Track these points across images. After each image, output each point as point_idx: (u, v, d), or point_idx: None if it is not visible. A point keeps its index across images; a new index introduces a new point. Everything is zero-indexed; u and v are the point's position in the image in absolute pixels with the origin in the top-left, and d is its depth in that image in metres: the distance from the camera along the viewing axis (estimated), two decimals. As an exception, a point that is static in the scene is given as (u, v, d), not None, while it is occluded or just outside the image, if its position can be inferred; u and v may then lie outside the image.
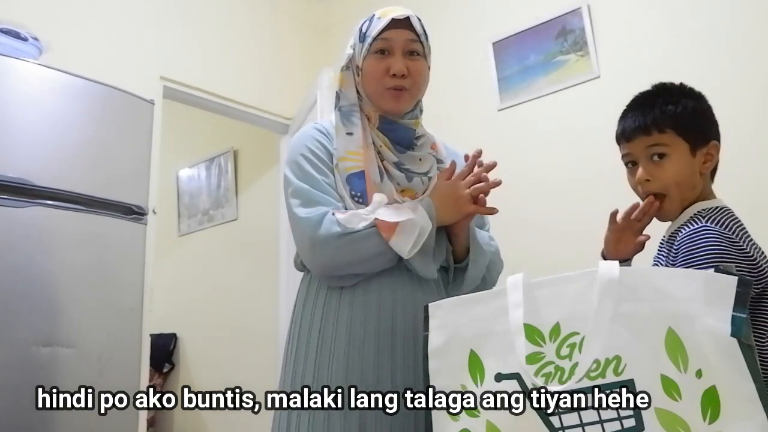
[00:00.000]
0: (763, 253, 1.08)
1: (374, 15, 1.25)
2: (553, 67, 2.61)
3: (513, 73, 2.73)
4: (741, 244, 1.03)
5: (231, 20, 3.26)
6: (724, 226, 1.06)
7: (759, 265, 1.03)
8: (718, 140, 1.18)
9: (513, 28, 2.75)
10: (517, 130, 2.69)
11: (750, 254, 1.03)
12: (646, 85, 1.24)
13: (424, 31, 1.26)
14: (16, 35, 2.17)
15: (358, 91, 1.28)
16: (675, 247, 1.07)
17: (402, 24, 1.22)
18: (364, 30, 1.25)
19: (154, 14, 2.90)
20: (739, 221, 1.10)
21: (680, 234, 1.07)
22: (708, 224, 1.05)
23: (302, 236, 1.16)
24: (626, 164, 1.22)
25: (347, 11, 3.59)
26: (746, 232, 1.09)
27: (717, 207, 1.12)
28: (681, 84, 1.21)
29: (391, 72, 1.21)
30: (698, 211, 1.12)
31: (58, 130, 2.07)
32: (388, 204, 1.17)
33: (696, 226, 1.05)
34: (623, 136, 1.20)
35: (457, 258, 1.27)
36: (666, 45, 2.33)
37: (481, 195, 1.20)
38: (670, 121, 1.14)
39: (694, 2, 2.30)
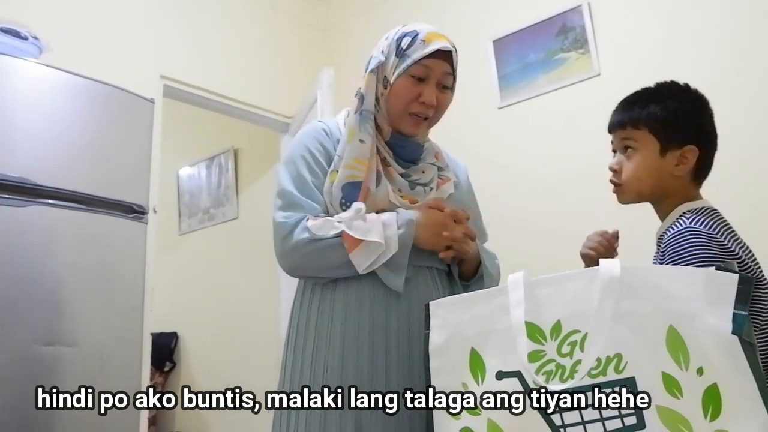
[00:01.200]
0: (749, 251, 1.10)
1: (417, 33, 1.21)
2: (553, 65, 2.61)
3: (513, 71, 2.73)
4: (725, 242, 1.05)
5: (231, 19, 3.26)
6: (707, 226, 1.07)
7: (744, 262, 1.05)
8: (701, 145, 1.18)
9: (513, 26, 2.75)
10: (517, 128, 2.69)
11: (735, 252, 1.05)
12: (646, 83, 1.24)
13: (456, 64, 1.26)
14: (17, 34, 2.16)
15: (377, 99, 1.26)
16: (662, 249, 1.10)
17: (444, 55, 1.21)
18: (403, 46, 1.21)
19: (155, 13, 2.90)
20: (724, 220, 1.13)
21: (666, 235, 1.10)
22: (691, 225, 1.07)
23: (276, 238, 1.21)
24: (613, 153, 1.28)
25: (347, 11, 3.59)
26: (731, 230, 1.11)
27: (702, 208, 1.14)
28: (676, 85, 1.22)
29: (421, 100, 1.21)
30: (683, 213, 1.15)
31: (59, 129, 2.07)
32: (366, 214, 1.18)
33: (680, 227, 1.07)
34: (609, 127, 1.27)
35: (465, 274, 1.29)
36: (666, 43, 2.33)
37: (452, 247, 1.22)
38: (645, 120, 1.18)
39: (694, 0, 2.30)
